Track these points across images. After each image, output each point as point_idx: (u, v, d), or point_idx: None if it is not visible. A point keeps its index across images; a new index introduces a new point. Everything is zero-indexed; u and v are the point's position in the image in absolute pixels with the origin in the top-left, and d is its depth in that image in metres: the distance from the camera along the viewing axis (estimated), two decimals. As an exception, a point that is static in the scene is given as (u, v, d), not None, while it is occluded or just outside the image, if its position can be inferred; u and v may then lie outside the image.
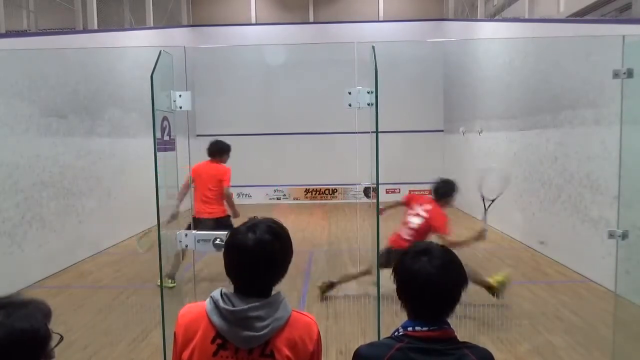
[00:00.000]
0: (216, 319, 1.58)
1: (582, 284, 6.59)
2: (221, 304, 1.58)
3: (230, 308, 1.56)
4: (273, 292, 1.66)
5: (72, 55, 8.50)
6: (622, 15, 7.69)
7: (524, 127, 9.16)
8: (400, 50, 13.89)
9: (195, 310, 1.65)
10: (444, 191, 5.59)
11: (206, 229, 5.23)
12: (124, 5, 12.27)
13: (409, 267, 1.59)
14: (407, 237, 5.38)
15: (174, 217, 4.60)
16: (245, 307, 1.56)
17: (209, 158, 6.48)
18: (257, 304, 1.57)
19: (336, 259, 7.19)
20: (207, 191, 6.32)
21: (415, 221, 5.50)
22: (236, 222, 5.67)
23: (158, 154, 2.99)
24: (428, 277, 1.55)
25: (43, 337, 1.39)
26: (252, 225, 1.66)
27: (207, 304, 1.62)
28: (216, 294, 1.62)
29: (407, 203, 5.78)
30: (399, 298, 1.63)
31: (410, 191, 15.82)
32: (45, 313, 1.43)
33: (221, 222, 6.23)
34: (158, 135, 2.98)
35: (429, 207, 5.51)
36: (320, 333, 1.69)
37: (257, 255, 1.60)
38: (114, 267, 7.85)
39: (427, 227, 5.41)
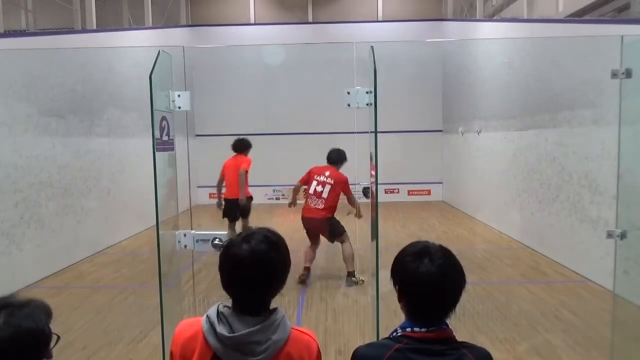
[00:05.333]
0: (213, 341, 1.53)
1: (581, 283, 6.60)
2: (217, 328, 1.53)
3: (227, 334, 1.51)
4: (272, 306, 1.62)
5: (70, 55, 8.49)
6: (621, 16, 7.70)
7: (523, 127, 9.17)
8: (399, 50, 13.89)
9: (191, 329, 1.60)
10: None
11: None
12: (122, 5, 12.27)
13: (411, 269, 1.57)
14: None
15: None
16: (244, 332, 1.51)
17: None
18: (255, 328, 1.52)
19: (336, 259, 7.19)
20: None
21: None
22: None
23: (157, 154, 2.98)
24: (431, 278, 1.54)
25: (47, 336, 1.39)
26: (247, 235, 1.60)
27: (203, 322, 1.57)
28: (213, 313, 1.56)
29: None
30: (399, 300, 1.62)
31: (409, 191, 15.85)
32: (46, 312, 1.43)
33: None
34: (157, 135, 2.97)
35: None
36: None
37: (253, 267, 1.55)
38: (112, 268, 7.85)
39: None
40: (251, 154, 7.82)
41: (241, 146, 7.73)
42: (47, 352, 1.40)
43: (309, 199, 6.78)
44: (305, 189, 7.01)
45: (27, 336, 1.34)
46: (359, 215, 6.77)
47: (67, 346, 4.58)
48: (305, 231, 6.93)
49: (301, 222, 6.91)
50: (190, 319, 1.66)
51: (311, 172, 6.92)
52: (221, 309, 1.57)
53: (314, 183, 6.76)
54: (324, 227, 6.76)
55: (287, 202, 7.36)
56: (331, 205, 6.73)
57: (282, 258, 1.61)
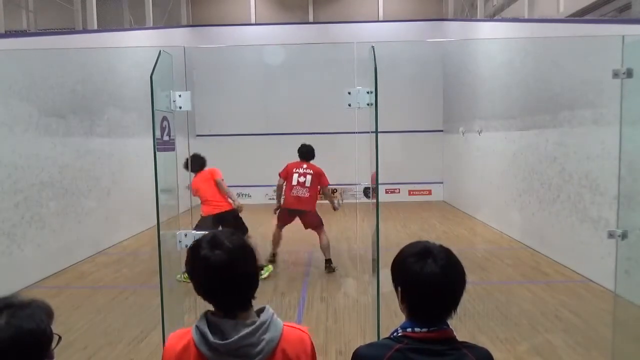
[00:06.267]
0: (206, 351, 1.52)
1: (582, 283, 6.60)
2: (210, 337, 1.51)
3: (221, 342, 1.51)
4: (260, 305, 1.61)
5: (71, 55, 8.49)
6: (622, 15, 7.69)
7: (523, 127, 9.17)
8: (399, 50, 13.89)
9: (182, 341, 1.57)
10: None
11: None
12: (123, 5, 12.26)
13: (414, 270, 1.56)
14: None
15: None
16: (236, 337, 1.51)
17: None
18: (247, 331, 1.52)
19: (336, 259, 7.20)
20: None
21: None
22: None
23: (158, 154, 2.99)
24: (434, 279, 1.53)
25: (49, 337, 1.39)
26: (211, 239, 1.57)
27: (193, 334, 1.55)
28: (202, 324, 1.55)
29: None
30: (401, 301, 1.61)
31: (410, 191, 15.85)
32: (48, 313, 1.42)
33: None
34: (158, 135, 2.98)
35: None
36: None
37: (236, 265, 1.55)
38: (113, 268, 7.85)
39: None
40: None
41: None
42: (49, 352, 1.40)
43: (293, 190, 7.19)
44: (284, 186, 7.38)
45: (28, 337, 1.34)
46: (334, 207, 7.48)
47: (68, 346, 4.58)
48: (279, 221, 7.40)
49: (286, 214, 7.32)
50: (178, 331, 1.64)
51: (288, 167, 7.36)
52: (210, 317, 1.57)
53: (295, 175, 7.21)
54: (313, 218, 7.23)
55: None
56: (315, 194, 7.24)
57: (252, 250, 1.64)
